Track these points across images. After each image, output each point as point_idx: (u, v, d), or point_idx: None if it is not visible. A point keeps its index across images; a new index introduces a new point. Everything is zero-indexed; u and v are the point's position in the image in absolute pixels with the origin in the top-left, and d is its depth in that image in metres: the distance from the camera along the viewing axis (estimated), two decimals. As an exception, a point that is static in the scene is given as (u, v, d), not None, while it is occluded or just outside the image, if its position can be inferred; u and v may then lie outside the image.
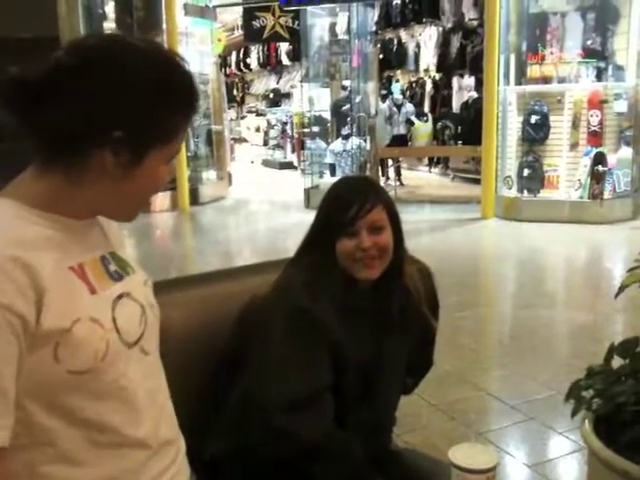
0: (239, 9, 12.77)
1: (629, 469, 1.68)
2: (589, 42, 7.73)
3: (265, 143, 15.99)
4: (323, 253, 1.43)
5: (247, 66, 17.49)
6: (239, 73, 18.31)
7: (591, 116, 7.42)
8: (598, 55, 7.72)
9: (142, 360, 1.02)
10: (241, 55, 17.43)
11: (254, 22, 11.92)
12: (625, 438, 1.76)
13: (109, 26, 9.53)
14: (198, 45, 10.29)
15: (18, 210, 0.93)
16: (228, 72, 17.94)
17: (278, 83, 16.61)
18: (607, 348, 1.91)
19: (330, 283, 1.42)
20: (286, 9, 10.45)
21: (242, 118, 17.99)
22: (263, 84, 17.60)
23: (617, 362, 1.88)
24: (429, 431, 2.73)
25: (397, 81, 12.20)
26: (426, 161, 12.72)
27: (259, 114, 16.93)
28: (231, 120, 16.48)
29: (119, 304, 0.98)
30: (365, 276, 1.43)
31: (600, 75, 7.66)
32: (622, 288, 1.88)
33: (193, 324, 1.53)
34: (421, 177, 12.24)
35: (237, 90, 19.20)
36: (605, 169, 7.40)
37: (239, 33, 14.90)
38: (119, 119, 0.91)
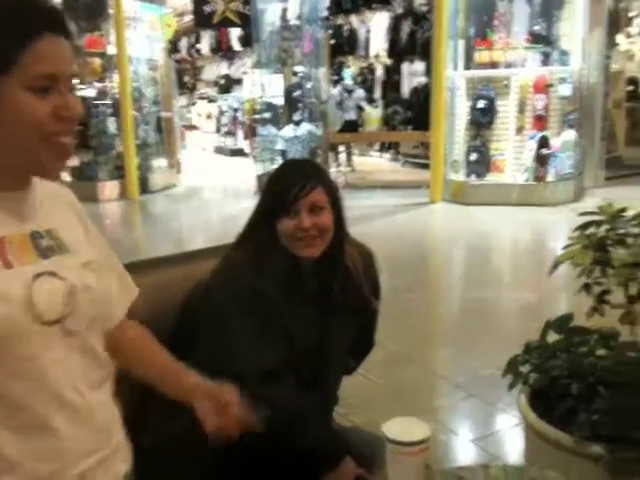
0: (189, -6, 12.57)
1: (561, 439, 1.74)
2: (536, 27, 7.86)
3: (217, 130, 15.82)
4: (266, 234, 1.47)
5: (198, 52, 17.24)
6: (190, 59, 18.04)
7: (536, 100, 7.57)
8: (544, 40, 7.85)
9: (64, 341, 0.99)
10: (192, 41, 17.17)
11: (204, 7, 11.71)
12: (558, 410, 1.83)
13: (53, 10, 9.27)
14: (147, 30, 10.09)
15: None
16: (179, 58, 17.65)
17: (229, 69, 16.42)
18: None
19: (274, 262, 1.46)
20: (235, -6, 10.33)
21: (193, 105, 17.76)
22: (214, 70, 17.38)
23: (554, 338, 1.94)
24: (374, 410, 2.77)
25: (348, 67, 12.20)
26: (377, 146, 12.79)
27: (210, 101, 16.73)
28: (182, 107, 16.26)
29: (39, 280, 0.96)
30: (306, 254, 1.47)
31: (546, 60, 7.81)
32: (556, 265, 1.94)
33: (141, 310, 1.52)
34: (372, 162, 12.31)
35: (188, 76, 18.93)
36: (549, 152, 7.57)
37: (189, 18, 14.64)
38: None
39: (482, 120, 7.76)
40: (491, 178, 7.90)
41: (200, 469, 1.43)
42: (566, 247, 1.91)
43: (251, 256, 1.47)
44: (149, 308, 1.51)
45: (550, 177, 7.64)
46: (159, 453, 1.37)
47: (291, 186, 1.45)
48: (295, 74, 9.79)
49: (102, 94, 9.27)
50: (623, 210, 1.88)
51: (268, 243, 1.47)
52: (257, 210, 1.52)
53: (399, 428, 1.18)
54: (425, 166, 9.43)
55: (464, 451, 2.63)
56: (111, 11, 9.12)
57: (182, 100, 16.99)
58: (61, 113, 0.95)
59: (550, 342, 1.97)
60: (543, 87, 7.59)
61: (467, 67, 8.05)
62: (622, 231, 1.84)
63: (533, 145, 7.59)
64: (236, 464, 1.41)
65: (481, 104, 7.74)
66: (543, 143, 7.56)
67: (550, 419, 1.82)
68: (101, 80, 9.37)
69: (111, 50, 9.23)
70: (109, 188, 9.12)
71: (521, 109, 7.67)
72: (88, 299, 1.03)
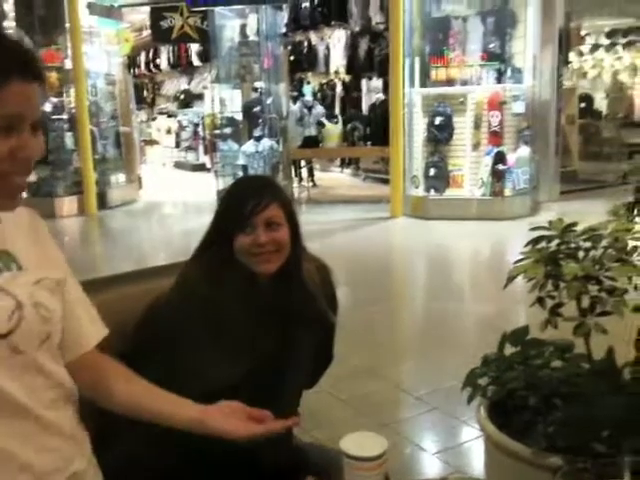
0: (147, 9, 12.52)
1: (519, 451, 1.78)
2: (490, 45, 8.04)
3: (177, 145, 15.74)
4: (221, 249, 1.47)
5: (157, 67, 17.15)
6: (149, 74, 17.93)
7: (491, 117, 7.74)
8: (498, 58, 8.03)
9: (9, 358, 0.98)
10: (150, 55, 17.08)
11: (162, 22, 11.70)
12: (516, 422, 1.87)
13: (9, 24, 9.14)
14: (105, 45, 10.02)
15: None
16: (137, 73, 17.54)
17: (189, 84, 16.38)
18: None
19: (230, 277, 1.46)
20: (193, 10, 10.34)
21: (153, 119, 17.64)
22: (174, 85, 17.31)
23: (512, 350, 1.98)
24: (337, 426, 2.78)
25: (308, 83, 12.29)
26: (338, 162, 12.88)
27: (170, 115, 16.64)
28: (141, 122, 16.13)
29: None
30: (262, 269, 1.47)
31: (500, 77, 7.99)
32: (510, 279, 1.98)
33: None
34: (333, 178, 12.39)
35: (147, 91, 18.80)
36: (505, 168, 7.74)
37: (147, 33, 14.58)
38: None
39: (439, 136, 7.90)
40: (450, 193, 8.03)
41: None
42: (518, 261, 1.96)
43: (206, 270, 1.47)
44: (107, 325, 1.51)
45: (507, 192, 7.81)
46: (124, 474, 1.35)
47: (246, 202, 1.45)
48: (255, 90, 9.83)
49: (59, 109, 9.17)
50: (573, 225, 1.94)
51: (223, 258, 1.46)
52: (212, 227, 1.52)
53: (356, 443, 1.19)
54: (385, 181, 9.53)
55: (427, 464, 2.66)
56: (67, 25, 9.03)
57: (142, 115, 16.86)
58: (17, 154, 0.95)
59: (507, 354, 2.02)
60: (497, 104, 7.77)
61: (423, 84, 8.19)
62: (573, 245, 1.90)
63: (489, 161, 7.75)
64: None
65: (438, 120, 7.88)
66: (499, 159, 7.72)
67: (509, 431, 1.85)
68: (58, 95, 9.26)
69: (68, 64, 9.15)
70: (67, 204, 8.99)
71: (477, 125, 7.82)
72: (37, 317, 1.02)
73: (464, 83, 8.01)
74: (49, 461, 1.03)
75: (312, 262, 1.62)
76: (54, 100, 9.16)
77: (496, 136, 7.77)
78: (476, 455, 2.65)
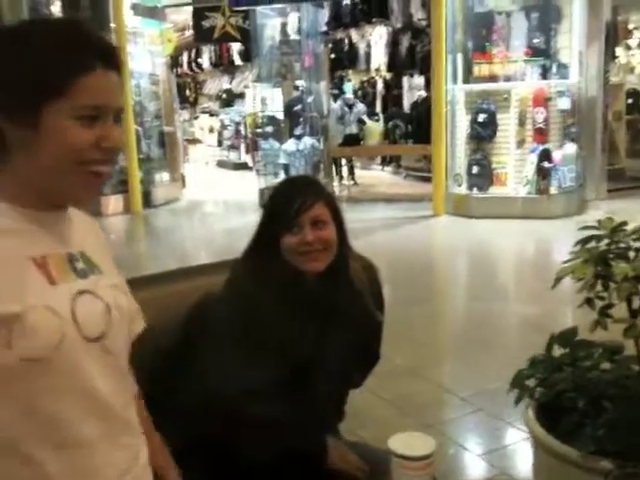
0: (189, 9, 12.66)
1: (568, 454, 1.76)
2: (534, 41, 7.91)
3: (219, 144, 15.90)
4: (269, 250, 1.49)
5: (199, 66, 17.36)
6: (191, 73, 18.16)
7: (536, 113, 7.61)
8: (542, 53, 7.90)
9: (102, 358, 1.01)
10: (193, 55, 17.29)
11: (204, 22, 11.82)
12: (564, 424, 1.84)
13: (56, 27, 9.36)
14: (148, 45, 10.18)
15: None
16: (180, 72, 17.77)
17: (231, 83, 16.53)
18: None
19: (277, 278, 1.47)
20: (235, 9, 10.41)
21: (195, 119, 17.85)
22: (216, 84, 17.49)
23: (559, 352, 1.96)
24: (380, 425, 2.78)
25: (349, 81, 12.28)
26: (379, 160, 12.85)
27: (212, 114, 16.82)
28: (184, 121, 16.34)
29: (80, 299, 0.98)
30: (310, 268, 1.48)
31: (545, 73, 7.86)
32: (558, 280, 1.96)
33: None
34: (374, 176, 12.36)
35: (189, 90, 19.03)
36: (551, 165, 7.61)
37: (190, 33, 14.76)
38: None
39: (483, 133, 7.81)
40: (493, 191, 7.93)
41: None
42: (567, 261, 1.93)
43: (253, 270, 1.49)
44: (149, 323, 1.54)
45: (552, 190, 7.68)
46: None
47: (292, 202, 1.47)
48: (296, 88, 9.86)
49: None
50: (623, 224, 1.90)
51: (271, 259, 1.48)
52: (260, 227, 1.54)
53: (404, 443, 1.20)
54: (427, 179, 9.47)
55: (472, 465, 2.64)
56: (112, 25, 9.19)
57: (184, 114, 17.07)
58: (102, 144, 0.98)
59: (555, 356, 1.99)
60: (542, 100, 7.64)
61: (466, 81, 8.11)
62: (623, 245, 1.86)
63: (534, 158, 7.63)
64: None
65: (481, 117, 7.79)
66: (544, 156, 7.60)
67: (557, 433, 1.83)
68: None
69: (113, 65, 9.32)
70: (113, 202, 9.16)
71: (521, 122, 7.71)
72: (121, 319, 1.06)
73: (508, 79, 7.90)
74: (125, 458, 1.06)
75: (359, 261, 1.63)
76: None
77: (541, 133, 7.64)
78: (522, 457, 2.61)
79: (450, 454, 2.62)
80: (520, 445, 2.66)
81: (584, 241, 1.93)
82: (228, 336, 1.42)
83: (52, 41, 0.96)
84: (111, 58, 0.99)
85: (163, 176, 10.26)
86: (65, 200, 1.05)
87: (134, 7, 9.51)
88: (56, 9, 9.49)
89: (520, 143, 7.79)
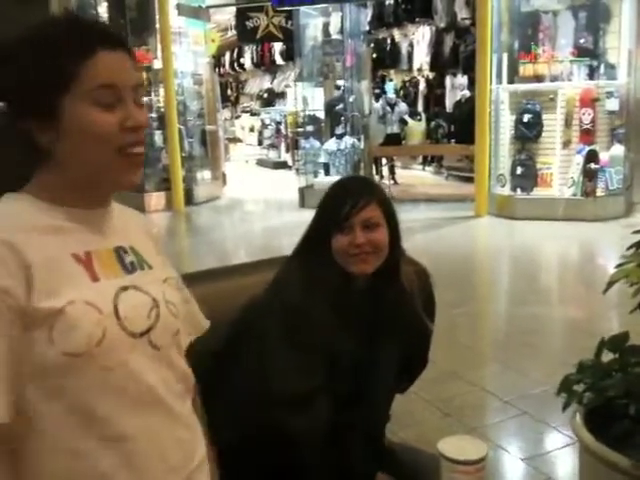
0: (232, 9, 12.78)
1: (618, 461, 1.71)
2: (581, 41, 7.76)
3: (259, 143, 16.00)
4: (319, 250, 1.47)
5: (241, 66, 17.49)
6: (233, 73, 18.31)
7: (583, 114, 7.46)
8: (590, 54, 7.74)
9: (149, 353, 1.02)
10: (235, 55, 17.43)
11: (247, 22, 11.92)
12: (614, 431, 1.80)
13: (102, 27, 9.53)
14: (192, 45, 10.29)
15: (32, 205, 0.99)
16: (222, 72, 17.94)
17: (272, 83, 16.62)
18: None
19: (325, 280, 1.45)
20: (279, 9, 10.47)
21: (236, 118, 17.99)
22: (257, 84, 17.61)
23: (608, 357, 1.92)
24: (424, 427, 2.76)
25: (391, 80, 12.23)
26: (420, 160, 12.76)
27: (253, 114, 16.93)
28: (225, 120, 16.48)
29: (125, 294, 0.99)
30: (358, 270, 1.46)
31: (592, 73, 7.70)
32: (610, 284, 1.91)
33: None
34: (415, 176, 12.28)
35: (231, 90, 19.20)
36: (597, 167, 7.45)
37: (232, 33, 14.90)
38: (10, 92, 0.97)
39: (528, 134, 7.69)
40: (538, 192, 7.80)
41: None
42: (619, 265, 1.88)
43: (302, 272, 1.46)
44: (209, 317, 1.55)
45: (599, 192, 7.52)
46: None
47: (344, 202, 1.45)
48: (337, 88, 9.86)
49: (149, 108, 9.47)
50: (677, 227, 1.85)
51: (320, 260, 1.45)
52: (311, 226, 1.52)
53: (454, 446, 1.18)
54: (469, 179, 9.37)
55: (515, 470, 2.60)
56: (157, 26, 9.32)
57: (226, 113, 17.23)
58: (126, 124, 0.98)
59: (604, 361, 1.95)
60: (590, 101, 7.48)
61: (511, 81, 8.00)
62: (679, 249, 1.81)
63: (580, 159, 7.49)
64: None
65: (526, 118, 7.67)
66: (591, 157, 7.44)
67: (606, 440, 1.79)
68: (147, 94, 9.58)
69: (157, 64, 9.44)
70: (156, 199, 9.30)
71: (568, 123, 7.57)
72: (169, 314, 1.06)
73: (554, 79, 7.76)
74: (181, 453, 1.06)
75: (411, 265, 1.60)
76: (144, 99, 9.47)
77: (588, 134, 7.49)
78: (567, 463, 2.57)
79: (493, 458, 2.58)
80: (565, 450, 2.62)
81: (638, 245, 1.88)
82: (274, 339, 1.40)
83: (51, 37, 0.98)
84: (110, 39, 0.99)
85: (205, 174, 10.36)
86: (111, 187, 1.06)
87: (178, 7, 9.62)
88: (102, 10, 9.68)
89: (566, 144, 7.64)
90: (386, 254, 1.48)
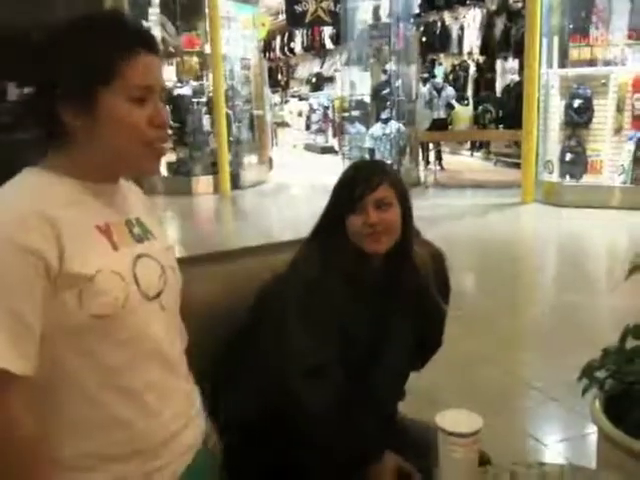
0: (283, -7, 12.79)
1: (634, 446, 1.71)
2: (638, 23, 7.51)
3: (307, 127, 16.03)
4: (335, 231, 1.51)
5: (291, 50, 17.52)
6: (283, 57, 18.35)
7: (636, 100, 7.25)
8: (647, 37, 7.51)
9: (160, 314, 1.14)
10: (285, 39, 17.47)
11: (296, 6, 11.90)
12: (634, 417, 1.79)
13: (154, 11, 9.69)
14: (241, 30, 10.36)
15: (52, 178, 1.08)
16: (272, 56, 18.00)
17: (322, 67, 16.60)
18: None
19: (341, 258, 1.50)
20: (327, -7, 10.45)
21: (286, 102, 18.05)
22: (307, 68, 17.62)
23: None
24: (446, 408, 2.77)
25: (440, 64, 12.07)
26: (468, 145, 12.59)
27: (302, 98, 16.96)
28: (274, 105, 16.57)
29: (139, 261, 1.11)
30: (372, 249, 1.49)
31: (647, 58, 7.47)
32: (633, 269, 1.90)
33: (215, 298, 1.61)
34: (463, 161, 12.14)
35: (281, 74, 19.26)
36: (649, 154, 7.24)
37: (283, 17, 14.93)
38: (51, 75, 1.05)
39: (578, 120, 7.51)
40: (587, 179, 7.64)
41: (268, 452, 1.50)
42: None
43: (318, 253, 1.52)
44: (225, 296, 1.61)
45: (650, 180, 7.31)
46: (230, 433, 1.44)
47: (357, 183, 1.50)
48: (384, 72, 9.80)
49: (198, 92, 9.60)
50: None
51: (336, 239, 1.50)
52: (327, 208, 1.57)
53: (451, 419, 1.21)
54: (518, 165, 9.22)
55: (538, 454, 2.59)
56: (207, 11, 9.41)
57: (275, 98, 17.31)
58: (155, 120, 1.09)
59: (628, 348, 1.94)
60: (643, 86, 7.27)
61: (561, 65, 7.81)
62: None
63: (632, 146, 7.28)
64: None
65: (577, 103, 7.50)
66: (642, 144, 7.24)
67: (626, 426, 1.79)
68: (197, 78, 9.71)
69: (207, 49, 9.55)
70: (203, 183, 9.46)
71: (619, 109, 7.37)
72: (173, 278, 1.18)
73: (607, 64, 7.55)
74: (182, 401, 1.20)
75: (426, 247, 1.62)
76: (194, 84, 9.62)
77: (640, 120, 7.28)
78: (594, 448, 2.55)
79: (517, 442, 2.59)
80: (592, 437, 2.60)
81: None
82: (291, 315, 1.45)
83: (100, 32, 1.07)
84: (151, 43, 1.10)
85: (251, 159, 10.47)
86: (131, 171, 1.18)
87: (227, -8, 9.71)
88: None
89: (617, 130, 7.45)
90: (398, 234, 1.51)
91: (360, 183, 1.49)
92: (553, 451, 2.56)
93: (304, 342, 1.43)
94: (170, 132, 9.57)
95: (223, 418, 1.43)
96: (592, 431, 2.60)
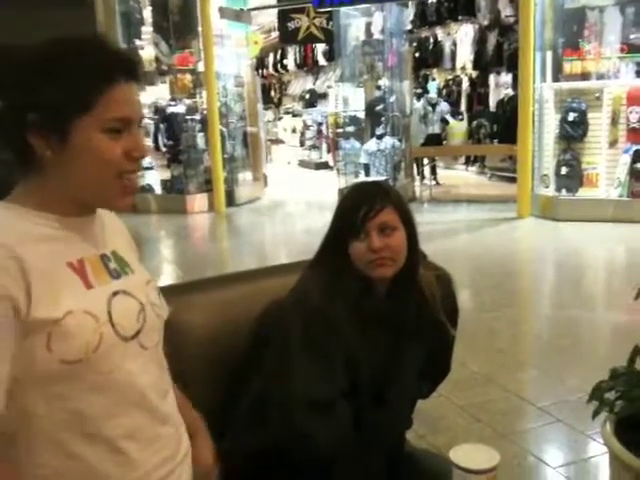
0: (276, 11, 12.85)
1: (648, 472, 1.66)
2: (631, 37, 7.55)
3: (301, 144, 16.03)
4: (338, 257, 1.45)
5: (284, 67, 17.57)
6: (276, 74, 18.40)
7: (630, 112, 7.25)
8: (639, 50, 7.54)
9: (138, 354, 1.06)
10: (278, 56, 17.52)
11: (289, 24, 11.97)
12: (646, 440, 1.74)
13: (147, 30, 9.72)
14: (234, 47, 10.37)
15: (21, 211, 1.00)
16: (265, 73, 18.05)
17: (315, 84, 16.64)
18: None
19: (345, 286, 1.44)
20: (319, 10, 10.48)
21: (279, 119, 18.07)
22: (300, 85, 17.65)
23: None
24: (454, 432, 2.71)
25: (433, 79, 12.12)
26: (463, 160, 12.61)
27: (295, 115, 16.98)
28: (268, 121, 16.57)
29: (115, 299, 1.03)
30: (378, 274, 1.44)
31: (640, 71, 7.49)
32: (643, 289, 1.85)
33: (212, 326, 1.57)
34: (457, 176, 12.14)
35: (274, 91, 19.29)
36: (645, 166, 7.24)
37: (276, 35, 14.98)
38: (30, 102, 0.97)
39: (573, 133, 7.51)
40: (583, 193, 7.62)
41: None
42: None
43: (322, 279, 1.45)
44: (224, 322, 1.56)
45: (646, 192, 7.30)
46: (233, 459, 1.39)
47: (359, 208, 1.43)
48: (378, 88, 9.81)
49: (192, 110, 9.59)
50: None
51: (340, 266, 1.45)
52: (329, 233, 1.51)
53: (466, 454, 1.15)
54: (513, 180, 9.21)
55: (547, 478, 2.53)
56: (200, 29, 9.42)
57: (268, 115, 17.32)
58: (132, 154, 1.02)
59: (638, 369, 1.88)
60: (637, 99, 7.27)
61: (556, 79, 7.83)
62: None
63: (627, 159, 7.28)
64: None
65: (571, 116, 7.50)
66: (638, 157, 7.23)
67: (636, 449, 1.73)
68: (191, 96, 9.70)
69: (200, 67, 9.55)
70: (197, 201, 9.41)
71: (614, 122, 7.37)
72: (154, 315, 1.11)
73: (600, 77, 7.57)
74: (166, 447, 1.11)
75: (432, 270, 1.56)
76: (187, 102, 9.60)
77: (635, 133, 7.27)
78: (601, 472, 2.49)
79: (525, 465, 2.52)
80: (600, 459, 2.54)
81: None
82: (294, 346, 1.39)
83: (78, 59, 1.00)
84: (133, 70, 1.03)
85: (246, 175, 10.44)
86: (102, 206, 1.10)
87: (220, 11, 9.72)
88: (147, 14, 9.85)
89: (612, 143, 7.45)
90: (404, 258, 1.46)
91: (362, 208, 1.43)
92: (562, 475, 2.48)
93: (309, 375, 1.37)
94: (164, 150, 9.60)
95: (226, 446, 1.37)
96: (600, 453, 2.56)
